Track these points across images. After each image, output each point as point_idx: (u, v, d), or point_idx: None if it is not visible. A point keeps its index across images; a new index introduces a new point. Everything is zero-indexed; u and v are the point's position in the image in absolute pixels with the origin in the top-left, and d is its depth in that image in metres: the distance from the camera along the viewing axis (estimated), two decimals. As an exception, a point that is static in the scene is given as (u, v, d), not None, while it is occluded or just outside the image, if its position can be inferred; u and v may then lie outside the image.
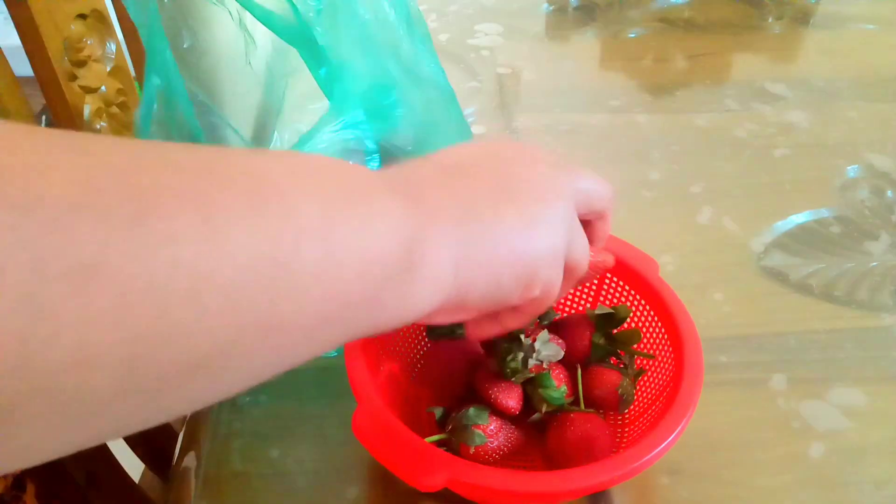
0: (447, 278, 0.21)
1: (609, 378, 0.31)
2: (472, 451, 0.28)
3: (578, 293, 0.36)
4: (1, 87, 0.39)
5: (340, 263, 0.17)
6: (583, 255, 0.26)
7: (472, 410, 0.29)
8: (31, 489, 0.38)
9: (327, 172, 0.19)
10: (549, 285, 0.24)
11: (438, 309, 0.22)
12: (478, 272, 0.22)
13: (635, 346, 0.32)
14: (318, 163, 0.20)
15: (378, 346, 0.31)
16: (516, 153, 0.25)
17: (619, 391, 0.30)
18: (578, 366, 0.31)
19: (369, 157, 0.31)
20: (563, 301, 0.36)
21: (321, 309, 0.17)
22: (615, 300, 0.34)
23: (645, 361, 0.32)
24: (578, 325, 0.32)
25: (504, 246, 0.22)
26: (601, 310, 0.33)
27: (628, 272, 0.33)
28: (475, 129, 0.53)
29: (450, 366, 0.32)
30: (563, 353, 0.30)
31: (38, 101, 0.45)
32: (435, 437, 0.29)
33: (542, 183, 0.24)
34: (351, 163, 0.24)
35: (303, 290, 0.17)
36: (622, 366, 0.32)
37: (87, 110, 0.45)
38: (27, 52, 0.42)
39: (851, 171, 0.49)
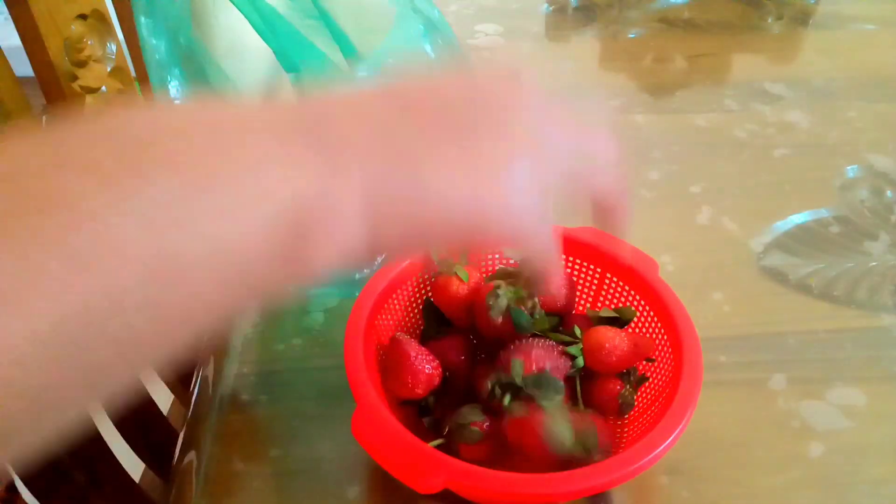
0: (354, 230, 0.18)
1: (611, 387, 0.31)
2: (470, 449, 0.28)
3: (577, 293, 0.36)
4: (1, 87, 0.39)
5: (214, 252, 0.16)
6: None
7: (465, 409, 0.29)
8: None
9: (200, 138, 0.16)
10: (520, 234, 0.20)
11: (346, 260, 0.19)
12: (395, 220, 0.19)
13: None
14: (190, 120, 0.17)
15: (378, 346, 0.31)
16: (499, 93, 0.21)
17: (620, 400, 0.30)
18: (577, 378, 0.31)
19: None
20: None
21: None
22: (615, 300, 0.34)
23: (645, 364, 0.32)
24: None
25: (431, 192, 0.18)
26: (605, 312, 0.33)
27: (628, 272, 0.33)
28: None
29: (448, 366, 0.32)
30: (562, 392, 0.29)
31: (39, 101, 0.45)
32: (435, 442, 0.29)
33: (514, 124, 0.20)
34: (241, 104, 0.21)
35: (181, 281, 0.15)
36: (624, 371, 0.32)
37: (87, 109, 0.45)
38: (28, 53, 0.42)
39: (851, 171, 0.49)
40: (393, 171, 0.18)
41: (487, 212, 0.19)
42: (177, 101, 0.21)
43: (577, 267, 0.35)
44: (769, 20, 0.67)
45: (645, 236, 0.35)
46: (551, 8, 0.69)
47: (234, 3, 0.29)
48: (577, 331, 0.32)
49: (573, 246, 0.35)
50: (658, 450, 0.26)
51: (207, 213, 0.16)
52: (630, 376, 0.31)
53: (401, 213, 0.19)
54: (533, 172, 0.20)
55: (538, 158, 0.20)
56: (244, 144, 0.17)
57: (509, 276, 0.33)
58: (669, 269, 0.41)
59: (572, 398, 0.31)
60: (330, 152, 0.18)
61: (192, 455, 0.33)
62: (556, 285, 0.24)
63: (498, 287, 0.31)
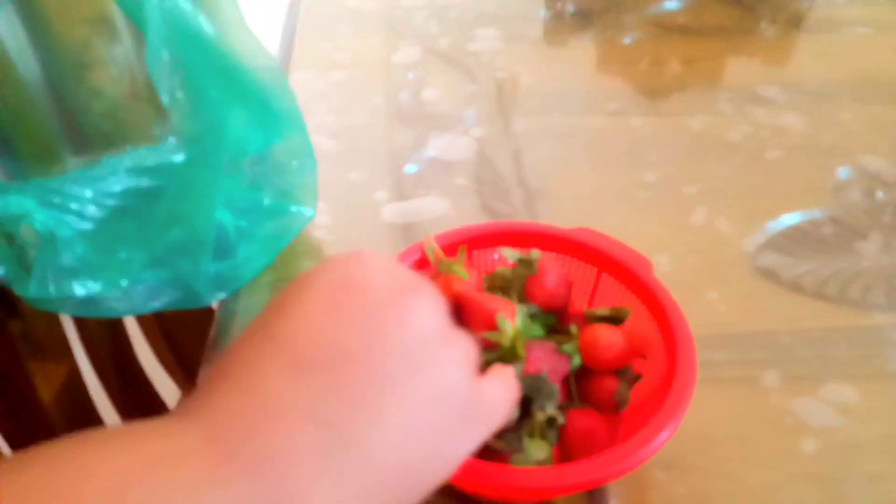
0: None
1: (606, 384, 0.31)
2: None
3: (573, 292, 0.36)
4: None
5: None
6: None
7: None
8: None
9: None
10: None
11: None
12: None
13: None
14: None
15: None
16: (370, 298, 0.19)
17: (616, 397, 0.31)
18: (571, 375, 0.32)
19: None
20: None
21: None
22: (610, 299, 0.35)
23: (640, 361, 0.32)
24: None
25: (392, 460, 0.18)
26: (601, 311, 0.33)
27: (623, 272, 0.34)
28: (474, 132, 0.54)
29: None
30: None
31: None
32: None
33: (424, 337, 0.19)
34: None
35: None
36: (620, 368, 0.32)
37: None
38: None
39: (843, 172, 0.50)
40: (345, 465, 0.17)
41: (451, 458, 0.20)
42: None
43: (572, 267, 0.36)
44: (763, 24, 0.68)
45: (640, 236, 0.36)
46: (549, 13, 0.70)
47: None
48: (573, 329, 0.32)
49: (569, 246, 0.35)
50: (653, 445, 0.26)
51: None
52: (625, 374, 0.32)
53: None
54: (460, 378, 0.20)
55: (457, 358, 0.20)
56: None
57: (504, 282, 0.34)
58: (664, 268, 0.41)
59: (568, 395, 0.32)
60: (274, 467, 0.16)
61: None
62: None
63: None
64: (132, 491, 0.14)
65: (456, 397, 0.19)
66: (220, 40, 0.30)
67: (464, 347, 0.21)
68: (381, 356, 0.18)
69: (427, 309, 0.20)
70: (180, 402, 0.18)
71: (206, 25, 0.29)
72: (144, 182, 0.27)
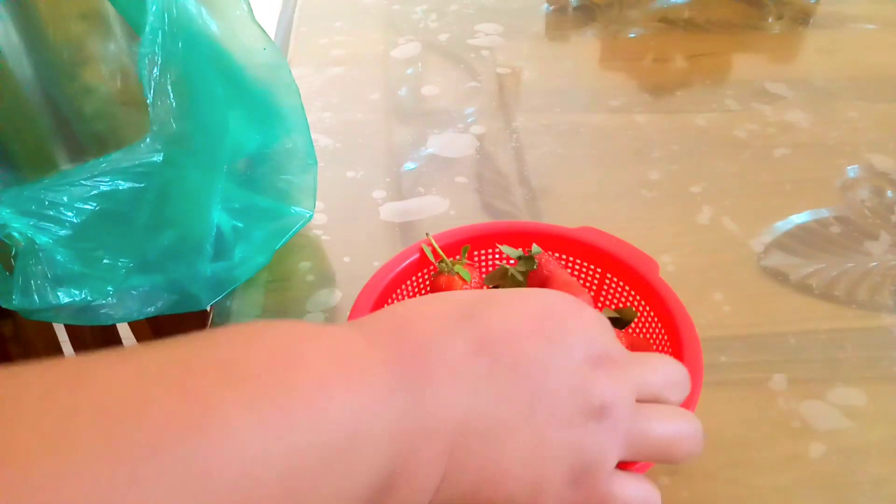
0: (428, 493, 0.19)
1: None
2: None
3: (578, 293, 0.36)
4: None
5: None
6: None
7: None
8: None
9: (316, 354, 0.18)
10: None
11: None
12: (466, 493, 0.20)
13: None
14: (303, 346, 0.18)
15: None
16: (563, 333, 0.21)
17: None
18: None
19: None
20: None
21: None
22: (615, 300, 0.34)
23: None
24: None
25: (501, 472, 0.20)
26: (606, 312, 0.33)
27: (628, 272, 0.33)
28: (475, 129, 0.53)
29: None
30: None
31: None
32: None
33: (587, 384, 0.21)
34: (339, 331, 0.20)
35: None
36: None
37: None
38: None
39: (851, 170, 0.49)
40: (475, 440, 0.19)
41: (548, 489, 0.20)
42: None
43: (577, 267, 0.35)
44: (769, 20, 0.67)
45: (645, 236, 0.35)
46: (551, 8, 0.69)
47: None
48: None
49: (573, 246, 0.35)
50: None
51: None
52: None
53: (470, 483, 0.20)
54: (603, 465, 0.21)
55: (610, 442, 0.21)
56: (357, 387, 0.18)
57: (506, 277, 0.33)
58: (670, 269, 0.41)
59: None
60: (424, 411, 0.19)
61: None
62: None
63: None
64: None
65: (586, 467, 0.20)
66: (223, 37, 0.29)
67: (621, 435, 0.21)
68: (550, 387, 0.20)
69: (610, 385, 0.21)
70: (367, 322, 0.22)
71: (209, 22, 0.29)
72: (123, 185, 0.26)
